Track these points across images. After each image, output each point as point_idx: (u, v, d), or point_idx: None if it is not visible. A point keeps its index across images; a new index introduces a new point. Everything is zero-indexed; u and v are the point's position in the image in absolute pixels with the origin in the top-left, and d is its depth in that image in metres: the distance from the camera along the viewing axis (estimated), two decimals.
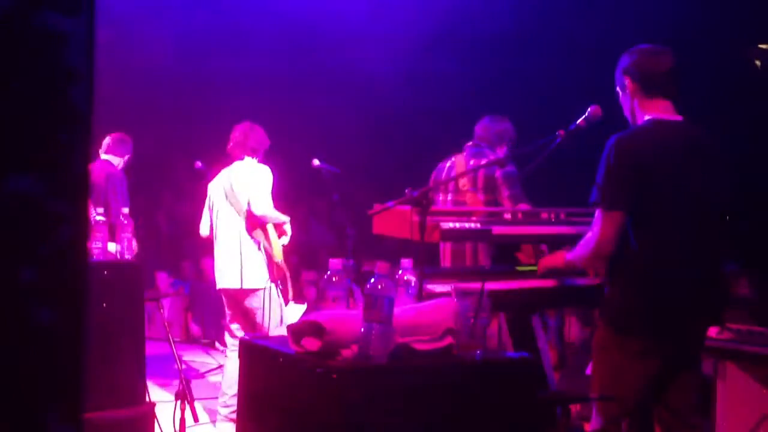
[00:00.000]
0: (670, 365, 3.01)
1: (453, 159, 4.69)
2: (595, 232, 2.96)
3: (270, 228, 5.05)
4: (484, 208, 4.33)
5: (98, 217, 4.11)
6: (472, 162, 4.51)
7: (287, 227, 5.14)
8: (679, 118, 3.05)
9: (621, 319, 3.00)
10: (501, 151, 4.64)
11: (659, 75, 3.03)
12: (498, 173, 4.42)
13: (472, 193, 4.47)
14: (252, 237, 5.03)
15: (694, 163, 2.98)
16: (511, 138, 4.73)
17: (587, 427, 3.95)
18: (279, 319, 5.10)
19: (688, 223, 2.96)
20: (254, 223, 5.02)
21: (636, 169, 2.91)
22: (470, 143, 4.68)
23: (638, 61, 3.04)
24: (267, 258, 5.03)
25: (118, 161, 6.01)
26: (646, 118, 3.03)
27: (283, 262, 5.06)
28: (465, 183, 4.50)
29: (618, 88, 3.14)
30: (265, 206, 4.95)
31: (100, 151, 6.06)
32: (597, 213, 2.97)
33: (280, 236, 5.09)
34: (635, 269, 2.96)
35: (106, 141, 6.03)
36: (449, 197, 4.61)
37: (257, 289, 5.02)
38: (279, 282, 5.13)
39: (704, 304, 3.03)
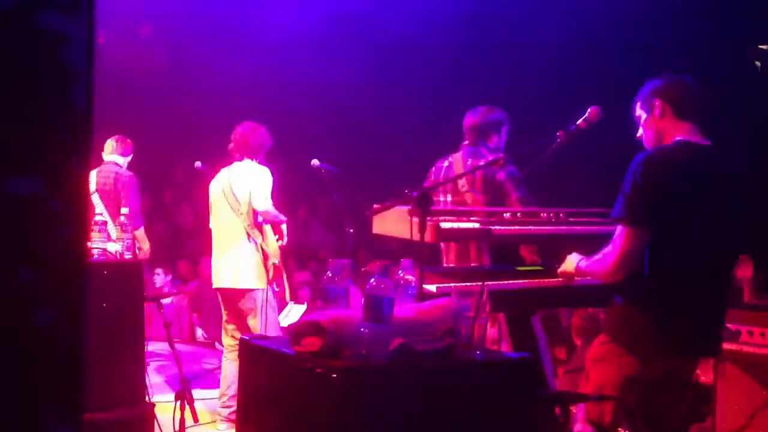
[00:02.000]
0: (665, 383, 3.01)
1: (450, 158, 4.66)
2: (616, 247, 2.92)
3: (267, 228, 5.06)
4: (485, 208, 4.31)
5: (98, 217, 4.12)
6: (469, 162, 4.48)
7: (284, 228, 5.14)
8: (707, 142, 3.03)
9: (623, 336, 2.99)
10: (493, 143, 4.58)
11: (690, 99, 3.03)
12: (500, 175, 4.37)
13: (471, 193, 4.45)
14: (249, 237, 5.03)
15: (718, 190, 2.96)
16: (506, 126, 4.66)
17: (575, 429, 3.94)
18: (274, 321, 5.09)
19: (706, 252, 2.94)
20: (252, 222, 5.02)
21: (662, 188, 2.87)
22: (467, 142, 4.65)
23: (670, 84, 3.03)
24: (264, 259, 5.04)
25: (122, 161, 6.07)
26: (677, 138, 3.00)
27: (280, 262, 5.07)
28: (464, 183, 4.48)
29: (641, 111, 3.10)
30: (266, 203, 4.96)
31: (102, 154, 6.11)
32: (619, 228, 2.95)
33: (276, 237, 5.09)
34: (647, 291, 2.94)
35: (110, 143, 6.09)
36: (448, 197, 4.59)
37: (252, 290, 5.02)
38: (275, 283, 5.13)
39: (709, 340, 3.04)
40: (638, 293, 2.97)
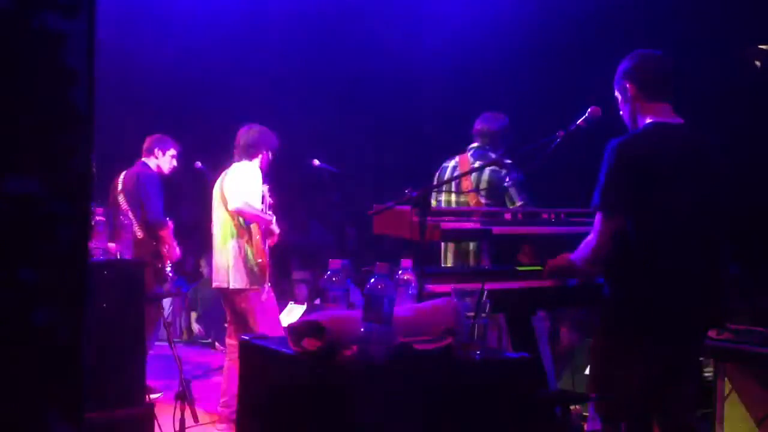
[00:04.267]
0: (669, 367, 3.00)
1: (457, 159, 4.68)
2: (595, 235, 2.98)
3: (253, 227, 5.04)
4: (487, 209, 4.34)
5: (98, 217, 4.11)
6: (477, 164, 4.51)
7: (274, 228, 5.12)
8: (680, 120, 3.05)
9: (620, 322, 3.00)
10: (502, 150, 4.63)
11: (659, 78, 3.05)
12: (508, 180, 4.44)
13: (475, 194, 4.48)
14: (237, 236, 5.03)
15: (694, 166, 2.98)
16: (511, 133, 4.74)
17: (587, 427, 3.95)
18: (270, 321, 5.08)
19: (689, 226, 2.95)
20: (238, 221, 5.03)
21: (637, 173, 2.91)
22: (475, 144, 4.68)
23: (639, 65, 3.06)
24: (251, 258, 5.02)
25: (155, 163, 6.00)
26: (647, 121, 3.04)
27: (263, 263, 5.02)
28: (468, 185, 4.51)
29: (617, 93, 3.16)
30: (238, 201, 4.92)
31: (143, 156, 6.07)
32: (597, 216, 2.98)
33: (265, 237, 5.06)
34: (636, 272, 2.95)
35: (146, 144, 6.05)
36: (453, 198, 4.62)
37: (245, 290, 5.02)
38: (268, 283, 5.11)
39: (704, 309, 3.03)
40: (623, 275, 2.98)
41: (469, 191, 4.50)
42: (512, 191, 4.42)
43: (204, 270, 8.94)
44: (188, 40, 8.63)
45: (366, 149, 9.77)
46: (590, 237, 3.03)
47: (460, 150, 4.75)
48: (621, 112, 3.18)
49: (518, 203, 4.41)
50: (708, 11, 6.99)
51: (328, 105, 9.61)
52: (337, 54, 8.92)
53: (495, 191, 4.46)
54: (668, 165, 2.95)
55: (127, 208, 5.76)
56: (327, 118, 9.71)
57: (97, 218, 4.11)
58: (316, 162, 5.47)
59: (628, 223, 2.93)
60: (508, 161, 4.42)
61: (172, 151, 6.03)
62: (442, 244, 4.54)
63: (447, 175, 4.63)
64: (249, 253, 5.01)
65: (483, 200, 4.45)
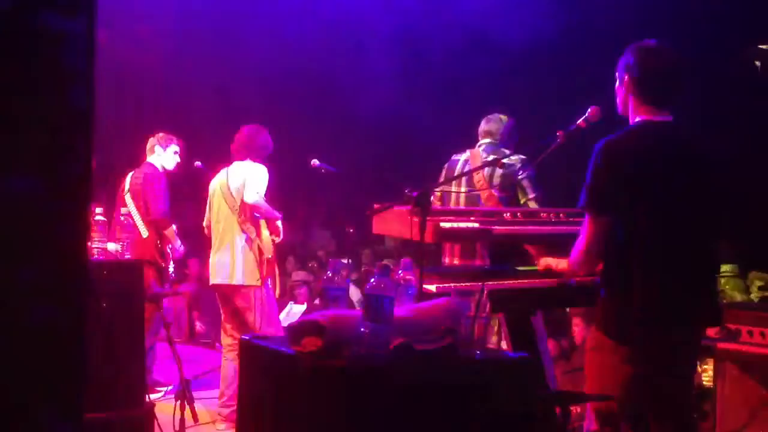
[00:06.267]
0: (666, 367, 2.99)
1: (468, 152, 4.69)
2: (583, 236, 2.97)
3: (261, 223, 5.09)
4: (498, 205, 4.35)
5: (98, 217, 4.11)
6: (490, 158, 4.51)
7: (279, 224, 5.18)
8: (668, 118, 3.03)
9: (614, 325, 2.99)
10: (510, 149, 4.65)
11: (658, 76, 3.02)
12: (520, 174, 4.46)
13: (488, 190, 4.48)
14: (243, 232, 5.06)
15: (683, 163, 2.97)
16: (516, 135, 4.78)
17: (585, 427, 3.94)
18: (270, 318, 5.10)
19: (680, 224, 2.94)
20: (246, 218, 5.06)
21: (623, 172, 2.90)
22: (487, 140, 4.69)
23: (640, 59, 3.03)
24: (259, 254, 5.06)
25: (161, 161, 5.98)
26: (636, 119, 3.02)
27: (273, 258, 5.09)
28: (481, 179, 4.52)
29: (617, 77, 3.14)
30: (256, 197, 4.99)
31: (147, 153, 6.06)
32: (585, 217, 2.98)
33: (271, 234, 5.13)
34: (629, 274, 2.94)
35: (149, 144, 6.05)
36: (462, 189, 4.63)
37: (245, 286, 5.04)
38: (270, 280, 5.15)
39: (699, 308, 3.02)
40: (617, 277, 2.97)
41: (481, 186, 4.51)
42: (526, 185, 4.45)
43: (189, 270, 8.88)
44: (188, 40, 8.63)
45: (365, 149, 9.78)
46: (580, 238, 3.02)
47: (469, 145, 4.76)
48: (616, 94, 3.15)
49: (531, 196, 4.45)
50: (708, 10, 6.99)
51: (328, 105, 9.61)
52: (336, 53, 8.92)
53: (509, 185, 4.48)
54: (656, 163, 2.93)
55: (134, 208, 5.78)
56: (326, 118, 9.72)
57: (97, 218, 4.11)
58: (316, 162, 5.47)
59: (618, 222, 2.92)
60: (521, 156, 4.45)
61: (173, 147, 6.03)
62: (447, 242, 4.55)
63: (458, 168, 4.63)
64: (258, 248, 5.04)
65: (496, 192, 4.46)
